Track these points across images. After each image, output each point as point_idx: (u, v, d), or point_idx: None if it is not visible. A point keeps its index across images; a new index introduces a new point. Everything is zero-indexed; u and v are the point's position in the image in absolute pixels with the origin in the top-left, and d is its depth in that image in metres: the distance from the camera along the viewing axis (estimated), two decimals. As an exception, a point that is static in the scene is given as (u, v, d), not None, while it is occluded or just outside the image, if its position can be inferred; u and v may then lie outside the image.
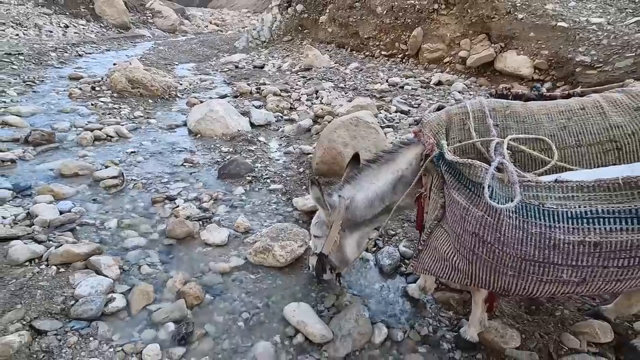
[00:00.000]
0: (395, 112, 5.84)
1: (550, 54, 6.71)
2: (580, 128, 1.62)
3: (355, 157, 2.36)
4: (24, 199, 3.25)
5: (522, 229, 1.39)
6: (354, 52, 11.60)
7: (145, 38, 17.78)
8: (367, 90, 7.16)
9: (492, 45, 7.65)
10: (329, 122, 4.78)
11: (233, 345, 2.07)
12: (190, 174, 4.12)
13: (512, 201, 1.37)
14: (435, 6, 9.01)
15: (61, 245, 2.57)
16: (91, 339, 1.97)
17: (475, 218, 1.50)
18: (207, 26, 27.32)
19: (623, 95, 1.65)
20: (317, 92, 7.07)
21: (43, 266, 2.41)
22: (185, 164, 4.33)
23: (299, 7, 14.91)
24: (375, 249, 2.98)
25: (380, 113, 5.69)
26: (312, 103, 6.62)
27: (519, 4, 7.49)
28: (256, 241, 2.87)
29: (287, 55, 12.07)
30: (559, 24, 6.77)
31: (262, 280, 2.60)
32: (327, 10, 13.19)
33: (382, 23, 10.49)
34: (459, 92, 6.69)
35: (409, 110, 5.92)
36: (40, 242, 2.60)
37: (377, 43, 10.80)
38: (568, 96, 1.99)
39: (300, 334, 2.15)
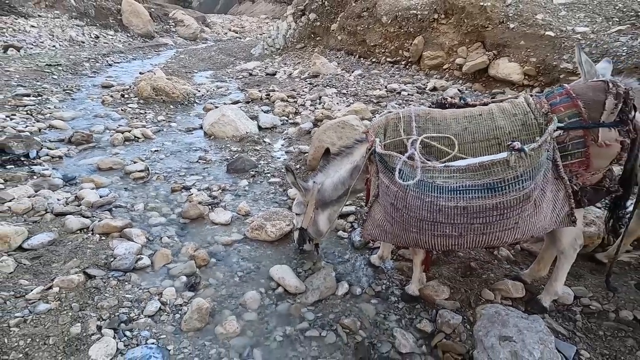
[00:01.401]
0: (389, 116, 6.43)
1: (538, 61, 7.17)
2: (476, 129, 2.22)
3: (327, 152, 3.02)
4: (71, 187, 4.06)
5: (420, 199, 2.01)
6: (362, 58, 12.22)
7: (168, 46, 18.95)
8: (367, 96, 7.78)
9: (486, 52, 8.15)
10: (327, 125, 5.42)
11: (229, 293, 2.76)
12: (204, 169, 4.87)
13: (413, 180, 1.99)
14: (435, 16, 9.57)
15: (102, 220, 3.33)
16: (126, 283, 2.69)
17: (392, 192, 2.13)
18: (226, 33, 28.49)
19: (509, 104, 2.24)
20: (320, 97, 7.75)
21: (89, 234, 3.17)
22: (199, 160, 5.09)
23: (312, 16, 15.67)
24: (350, 229, 3.61)
25: (374, 117, 6.30)
26: (315, 108, 7.30)
27: (511, 14, 7.96)
28: (253, 221, 3.56)
29: (298, 63, 12.82)
30: (546, 33, 7.22)
31: (255, 251, 3.29)
32: (338, 19, 13.90)
33: (387, 31, 11.10)
34: (450, 97, 7.22)
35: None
36: (86, 217, 3.37)
37: (383, 50, 11.40)
38: (484, 104, 2.58)
39: (280, 286, 2.81)
